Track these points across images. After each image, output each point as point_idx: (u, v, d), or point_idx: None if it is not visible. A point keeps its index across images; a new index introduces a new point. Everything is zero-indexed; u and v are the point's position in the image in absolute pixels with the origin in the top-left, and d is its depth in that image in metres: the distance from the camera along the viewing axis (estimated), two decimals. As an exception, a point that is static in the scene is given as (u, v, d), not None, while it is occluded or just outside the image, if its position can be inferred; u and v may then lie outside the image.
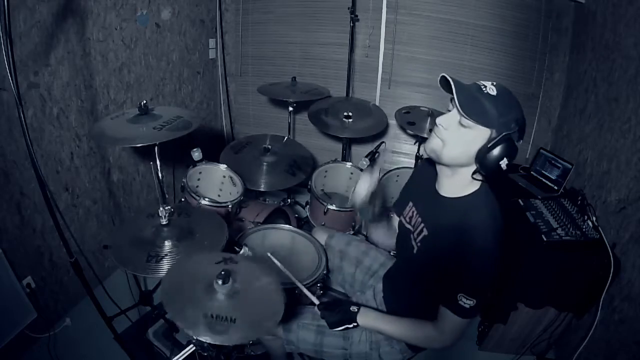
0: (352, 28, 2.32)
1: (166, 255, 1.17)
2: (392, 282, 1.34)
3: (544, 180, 2.09)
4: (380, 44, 2.48)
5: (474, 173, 0.98)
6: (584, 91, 2.02)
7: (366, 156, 2.02)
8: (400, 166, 2.26)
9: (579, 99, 2.07)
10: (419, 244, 1.12)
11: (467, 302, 0.97)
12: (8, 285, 1.60)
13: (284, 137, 2.17)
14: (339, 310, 1.16)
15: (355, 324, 1.15)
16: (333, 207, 1.91)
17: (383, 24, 2.43)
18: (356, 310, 1.15)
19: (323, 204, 1.91)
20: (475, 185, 1.02)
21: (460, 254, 0.96)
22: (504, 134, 0.91)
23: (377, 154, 2.00)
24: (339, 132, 2.16)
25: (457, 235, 0.97)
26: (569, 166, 1.96)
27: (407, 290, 1.25)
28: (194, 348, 1.07)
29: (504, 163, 0.93)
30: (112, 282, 2.07)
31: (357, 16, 2.28)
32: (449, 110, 0.97)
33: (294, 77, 2.29)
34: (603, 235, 1.62)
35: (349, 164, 2.22)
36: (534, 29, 2.28)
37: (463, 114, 0.90)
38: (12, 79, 0.99)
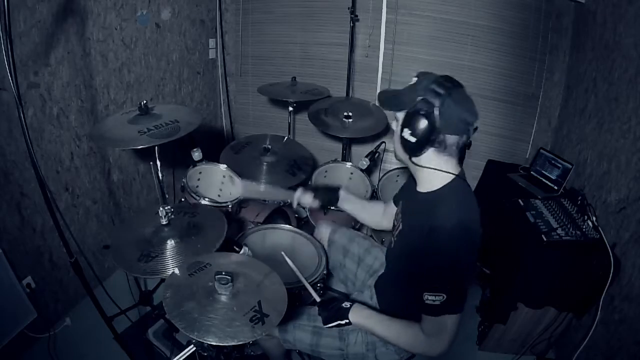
0: (352, 28, 2.32)
1: (158, 255, 1.17)
2: (380, 280, 1.35)
3: (544, 180, 2.09)
4: (380, 44, 2.48)
5: (410, 159, 1.03)
6: (584, 91, 2.02)
7: (366, 156, 2.02)
8: (400, 166, 2.26)
9: (579, 99, 2.07)
10: (395, 239, 1.16)
11: (436, 299, 0.94)
12: (8, 285, 1.60)
13: (284, 137, 2.16)
14: (332, 307, 1.14)
15: (347, 320, 1.12)
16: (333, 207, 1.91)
17: (383, 24, 2.43)
18: (348, 306, 1.13)
19: (320, 209, 1.91)
20: (445, 179, 1.02)
21: (423, 250, 0.97)
22: (409, 109, 0.97)
23: (376, 154, 2.00)
24: (339, 132, 2.16)
25: (421, 229, 0.98)
26: (569, 166, 1.96)
27: (391, 287, 1.25)
28: (194, 348, 1.07)
29: (406, 134, 0.97)
30: (112, 282, 2.07)
31: (357, 16, 2.28)
32: None
33: (294, 77, 2.29)
34: (603, 235, 1.61)
35: (349, 164, 2.22)
36: (534, 29, 2.28)
37: (383, 108, 1.09)
38: (12, 79, 0.99)
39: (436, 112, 0.92)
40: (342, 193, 1.43)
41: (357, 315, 1.12)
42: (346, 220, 1.99)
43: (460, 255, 0.95)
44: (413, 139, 0.96)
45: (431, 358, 1.16)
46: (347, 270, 1.52)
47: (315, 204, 1.41)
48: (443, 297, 0.94)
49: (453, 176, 1.01)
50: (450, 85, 0.94)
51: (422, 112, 0.93)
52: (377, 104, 1.06)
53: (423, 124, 0.93)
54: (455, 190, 1.01)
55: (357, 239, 1.55)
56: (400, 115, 1.00)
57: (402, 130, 0.98)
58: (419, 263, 0.99)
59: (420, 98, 0.94)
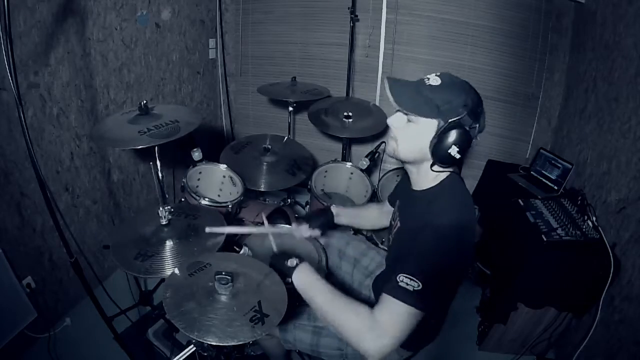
0: (352, 28, 2.32)
1: (154, 255, 1.17)
2: (378, 280, 1.35)
3: (544, 180, 2.09)
4: (380, 44, 2.48)
5: (432, 165, 0.99)
6: (584, 91, 2.02)
7: (366, 156, 2.02)
8: (401, 166, 2.25)
9: (579, 99, 2.07)
10: (393, 237, 1.15)
11: (409, 284, 0.86)
12: (8, 285, 1.60)
13: (284, 137, 2.16)
14: (281, 263, 1.06)
15: (290, 280, 1.03)
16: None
17: (383, 24, 2.43)
18: (294, 264, 1.04)
19: (323, 204, 1.91)
20: (441, 177, 1.01)
21: (413, 237, 0.94)
22: (450, 121, 0.91)
23: (376, 154, 2.00)
24: (339, 132, 2.16)
25: (417, 227, 0.96)
26: (569, 166, 1.96)
27: None
28: (194, 348, 1.07)
29: (453, 151, 0.91)
30: (112, 282, 2.07)
31: (357, 16, 2.28)
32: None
33: (294, 77, 2.29)
34: (603, 235, 1.62)
35: (349, 164, 2.22)
36: (534, 29, 2.28)
37: (400, 109, 0.94)
38: (12, 79, 0.99)
39: (476, 130, 0.94)
40: (334, 210, 1.42)
41: (301, 278, 1.02)
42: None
43: (451, 253, 0.93)
44: (456, 154, 0.92)
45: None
46: (343, 272, 1.53)
47: (317, 232, 1.40)
48: (418, 285, 0.87)
49: (447, 172, 1.01)
50: (481, 100, 0.95)
51: (468, 127, 0.92)
52: (389, 95, 0.93)
53: (468, 142, 0.92)
54: (450, 186, 1.01)
55: (353, 242, 1.55)
56: (430, 120, 0.93)
57: (443, 142, 0.91)
58: (408, 249, 0.95)
59: (462, 111, 0.91)
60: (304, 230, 1.38)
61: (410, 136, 0.97)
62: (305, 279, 1.03)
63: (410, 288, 0.87)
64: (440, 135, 0.92)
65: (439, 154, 0.94)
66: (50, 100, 1.69)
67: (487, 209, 2.03)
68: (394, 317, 0.89)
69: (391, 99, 0.92)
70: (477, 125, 0.94)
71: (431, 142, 0.94)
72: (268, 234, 1.22)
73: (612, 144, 1.72)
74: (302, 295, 1.03)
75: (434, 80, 0.94)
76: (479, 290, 2.12)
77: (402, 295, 0.88)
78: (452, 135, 0.91)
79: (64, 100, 1.75)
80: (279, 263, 1.07)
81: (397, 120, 0.99)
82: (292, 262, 1.04)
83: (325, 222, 1.41)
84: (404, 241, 1.05)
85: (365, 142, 2.67)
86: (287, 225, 1.40)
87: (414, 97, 0.94)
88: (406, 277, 0.88)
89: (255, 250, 1.45)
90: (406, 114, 0.96)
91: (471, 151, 1.01)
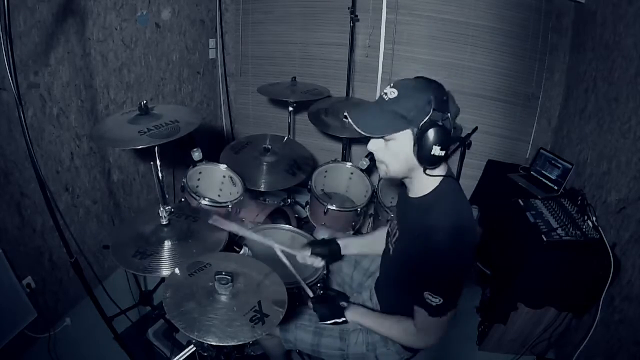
0: (352, 28, 2.32)
1: (152, 254, 1.18)
2: (379, 284, 1.35)
3: (544, 180, 2.09)
4: (380, 44, 2.48)
5: (424, 171, 0.99)
6: (584, 91, 2.02)
7: (366, 156, 2.02)
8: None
9: (579, 99, 2.07)
10: (393, 246, 1.16)
11: (433, 300, 0.98)
12: (8, 285, 1.60)
13: (284, 137, 2.16)
14: (329, 306, 1.21)
15: (344, 319, 1.18)
16: (333, 207, 1.91)
17: (383, 24, 2.43)
18: (345, 305, 1.21)
19: (323, 204, 1.91)
20: (436, 181, 1.01)
21: (422, 253, 0.98)
22: (422, 124, 0.91)
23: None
24: (339, 132, 2.16)
25: (418, 234, 0.99)
26: (569, 166, 1.96)
27: (390, 292, 1.26)
28: (194, 348, 1.07)
29: (436, 150, 0.92)
30: (112, 282, 2.07)
31: (357, 16, 2.28)
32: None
33: (294, 77, 2.29)
34: (603, 235, 1.62)
35: (349, 164, 2.22)
36: (534, 29, 2.28)
37: (371, 135, 0.97)
38: (12, 79, 0.99)
39: (450, 118, 0.93)
40: (341, 242, 1.38)
41: (353, 315, 1.19)
42: (345, 222, 2.00)
43: (458, 257, 0.96)
44: (440, 152, 0.92)
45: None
46: (343, 274, 1.53)
47: (319, 262, 1.35)
48: (440, 300, 0.97)
49: (442, 177, 1.01)
50: (442, 86, 0.95)
51: (441, 121, 0.91)
52: (355, 128, 0.95)
53: (446, 135, 0.91)
54: (447, 191, 1.01)
55: None
56: (405, 132, 0.94)
57: (423, 146, 0.92)
58: (418, 266, 1.00)
59: (429, 109, 0.90)
60: (305, 257, 1.34)
61: (395, 154, 0.98)
62: (357, 316, 1.20)
63: (434, 303, 0.98)
64: (418, 141, 0.92)
65: (424, 159, 0.95)
66: (50, 100, 1.69)
67: (487, 209, 2.03)
68: (428, 325, 1.04)
69: (359, 130, 0.94)
70: (449, 114, 0.93)
71: (413, 150, 0.94)
72: (301, 283, 1.27)
73: (612, 144, 1.72)
74: (358, 324, 1.23)
75: (391, 92, 0.94)
76: (479, 290, 2.12)
77: (431, 310, 1.00)
78: (429, 136, 0.91)
79: (64, 100, 1.75)
80: (332, 306, 1.22)
81: (375, 145, 1.01)
82: (343, 304, 1.22)
83: (329, 253, 1.36)
84: (406, 250, 1.06)
85: (365, 142, 2.65)
86: (294, 252, 1.34)
87: (380, 118, 0.95)
88: (430, 294, 0.98)
89: (255, 251, 1.45)
90: (381, 136, 0.98)
91: (473, 150, 1.00)
